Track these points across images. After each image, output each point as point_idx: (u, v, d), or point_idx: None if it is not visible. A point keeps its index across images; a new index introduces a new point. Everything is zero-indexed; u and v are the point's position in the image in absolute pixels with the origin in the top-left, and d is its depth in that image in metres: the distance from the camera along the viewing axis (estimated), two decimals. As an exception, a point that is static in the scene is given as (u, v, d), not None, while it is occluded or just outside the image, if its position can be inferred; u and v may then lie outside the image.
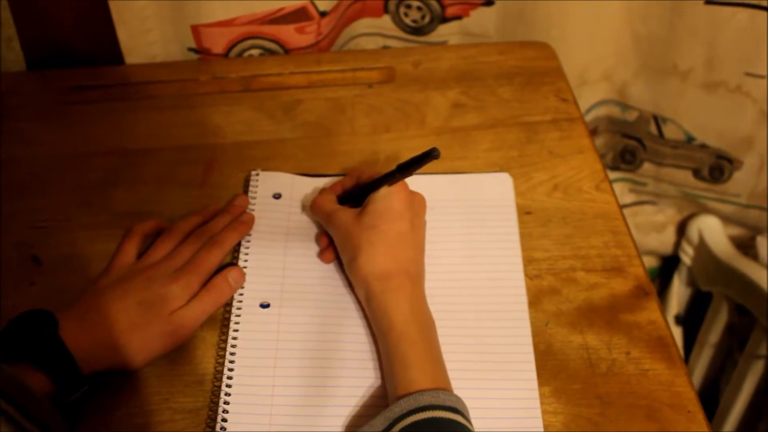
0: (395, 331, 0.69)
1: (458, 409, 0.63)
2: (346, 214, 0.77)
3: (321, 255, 0.80)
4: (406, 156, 0.89)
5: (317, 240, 0.82)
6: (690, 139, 1.19)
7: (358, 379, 0.72)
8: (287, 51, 1.04)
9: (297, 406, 0.70)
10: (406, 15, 1.09)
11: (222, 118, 0.95)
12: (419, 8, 1.08)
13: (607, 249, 0.82)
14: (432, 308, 0.73)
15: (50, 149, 0.91)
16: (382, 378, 0.71)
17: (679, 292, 1.35)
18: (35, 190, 0.87)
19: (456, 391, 0.66)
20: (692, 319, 1.37)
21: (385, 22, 1.10)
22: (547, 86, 0.99)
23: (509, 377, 0.72)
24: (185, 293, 0.73)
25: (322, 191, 0.83)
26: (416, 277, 0.74)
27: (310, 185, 0.86)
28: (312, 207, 0.81)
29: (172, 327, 0.72)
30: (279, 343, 0.74)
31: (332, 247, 0.79)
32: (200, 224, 0.81)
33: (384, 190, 0.76)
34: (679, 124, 1.18)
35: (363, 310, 0.76)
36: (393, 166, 0.76)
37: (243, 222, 0.82)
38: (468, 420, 0.63)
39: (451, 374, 0.68)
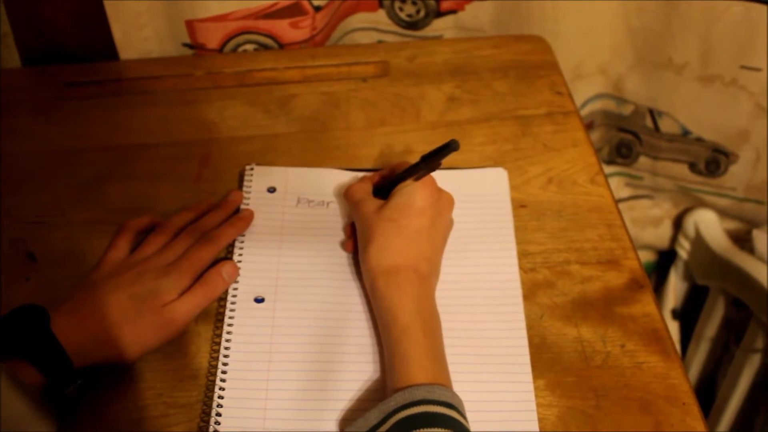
0: (398, 326, 0.69)
1: (453, 405, 0.63)
2: (371, 204, 0.77)
3: (344, 244, 0.80)
4: (403, 149, 0.90)
5: (344, 230, 0.82)
6: (686, 133, 1.19)
7: (352, 373, 0.72)
8: (282, 46, 1.04)
9: (291, 400, 0.70)
10: (401, 9, 1.09)
11: (216, 113, 0.94)
12: (414, 2, 1.08)
13: (601, 242, 0.82)
14: (427, 302, 0.73)
15: (45, 145, 0.91)
16: (382, 371, 0.71)
17: (675, 287, 1.35)
18: (30, 186, 0.87)
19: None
20: (689, 314, 1.37)
21: (380, 16, 1.10)
22: (542, 80, 0.99)
23: (504, 370, 0.72)
24: (176, 287, 0.73)
25: (360, 179, 0.83)
26: (426, 275, 0.73)
27: (304, 178, 0.86)
28: (345, 193, 0.82)
29: (163, 320, 0.71)
30: (273, 337, 0.74)
31: (355, 237, 0.79)
32: (194, 220, 0.81)
33: (410, 185, 0.76)
34: (675, 117, 1.18)
35: (359, 303, 0.76)
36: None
37: (241, 218, 0.82)
38: (463, 416, 0.63)
39: (445, 367, 0.68)
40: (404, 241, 0.73)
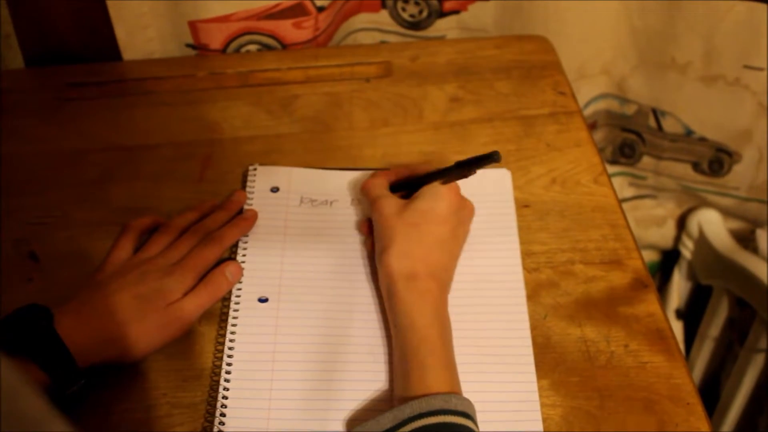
0: (416, 334, 0.68)
1: (469, 415, 0.63)
2: (392, 202, 0.76)
3: (365, 243, 0.80)
4: (406, 150, 0.90)
5: (359, 227, 0.82)
6: (689, 133, 1.19)
7: (356, 373, 0.72)
8: (285, 46, 1.04)
9: (295, 400, 0.70)
10: (403, 10, 1.09)
11: (219, 114, 0.94)
12: (417, 3, 1.08)
13: (605, 242, 0.82)
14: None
15: (48, 146, 0.91)
16: (390, 372, 0.71)
17: (679, 286, 1.35)
18: (33, 187, 0.87)
19: (455, 384, 0.66)
20: (693, 313, 1.36)
21: (383, 17, 1.10)
22: (545, 80, 0.98)
23: (508, 370, 0.72)
24: (180, 287, 0.73)
25: (376, 174, 0.82)
26: (444, 284, 0.73)
27: (307, 178, 0.86)
28: (362, 188, 0.81)
29: (167, 320, 0.71)
30: (277, 337, 0.74)
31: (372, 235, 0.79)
32: (197, 220, 0.81)
33: (435, 189, 0.75)
34: (678, 117, 1.18)
35: (363, 303, 0.76)
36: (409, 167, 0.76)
37: (245, 218, 0.82)
38: (477, 425, 0.63)
39: (449, 368, 0.68)
40: (426, 248, 0.73)
